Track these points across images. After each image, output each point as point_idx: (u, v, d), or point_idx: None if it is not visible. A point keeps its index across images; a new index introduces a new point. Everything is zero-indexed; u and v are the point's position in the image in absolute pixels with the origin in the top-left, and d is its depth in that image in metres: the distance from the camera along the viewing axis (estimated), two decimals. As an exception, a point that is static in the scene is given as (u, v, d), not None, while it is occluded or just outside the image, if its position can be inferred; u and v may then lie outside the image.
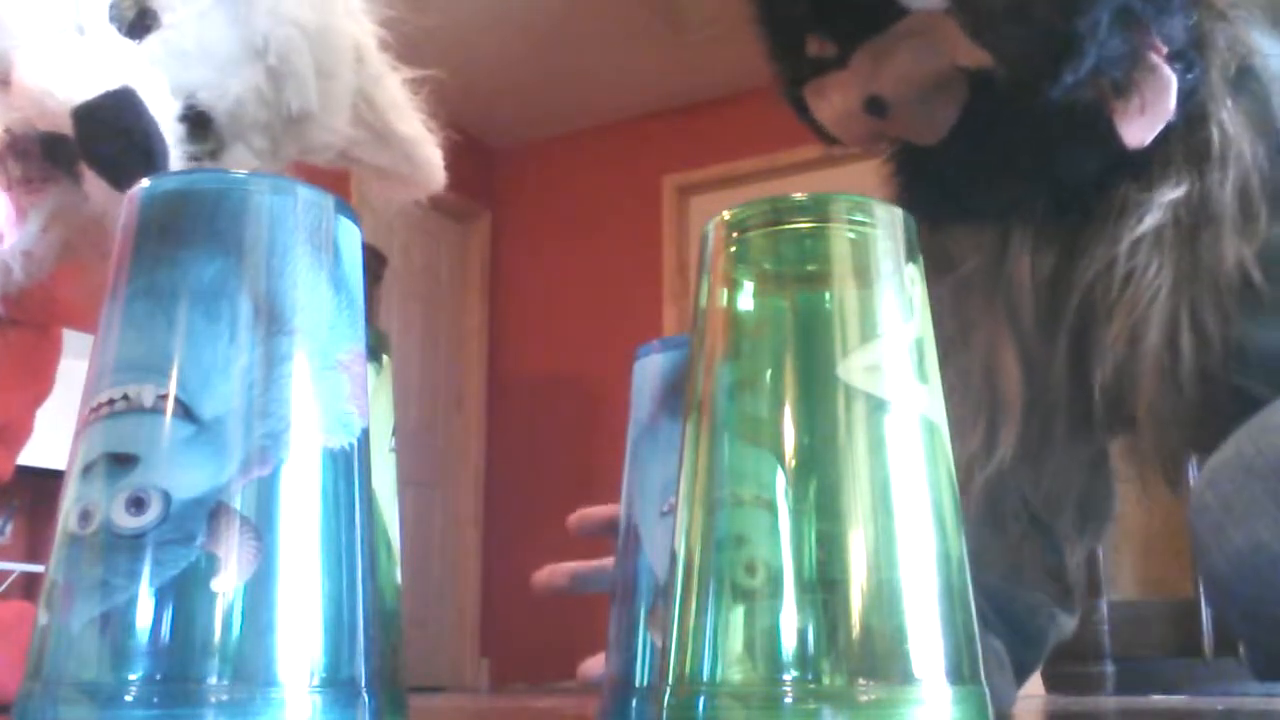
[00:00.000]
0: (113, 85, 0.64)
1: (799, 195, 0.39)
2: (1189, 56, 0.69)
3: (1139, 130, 0.68)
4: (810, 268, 0.38)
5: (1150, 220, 0.72)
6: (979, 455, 0.81)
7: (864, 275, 0.37)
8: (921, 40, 0.70)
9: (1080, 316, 0.77)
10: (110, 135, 0.64)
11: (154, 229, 0.36)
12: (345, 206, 0.38)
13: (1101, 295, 0.75)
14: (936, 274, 0.81)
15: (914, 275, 0.38)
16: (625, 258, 4.70)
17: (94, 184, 0.66)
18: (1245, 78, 0.74)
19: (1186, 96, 0.70)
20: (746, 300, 0.39)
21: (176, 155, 0.70)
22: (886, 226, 0.38)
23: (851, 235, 0.38)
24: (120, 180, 0.65)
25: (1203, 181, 0.72)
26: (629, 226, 4.72)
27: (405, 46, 0.84)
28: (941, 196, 0.78)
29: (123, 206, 0.38)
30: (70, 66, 0.65)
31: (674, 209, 4.70)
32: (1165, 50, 0.67)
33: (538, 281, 4.91)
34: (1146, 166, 0.73)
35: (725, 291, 0.39)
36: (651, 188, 4.71)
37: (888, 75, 0.72)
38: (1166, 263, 0.73)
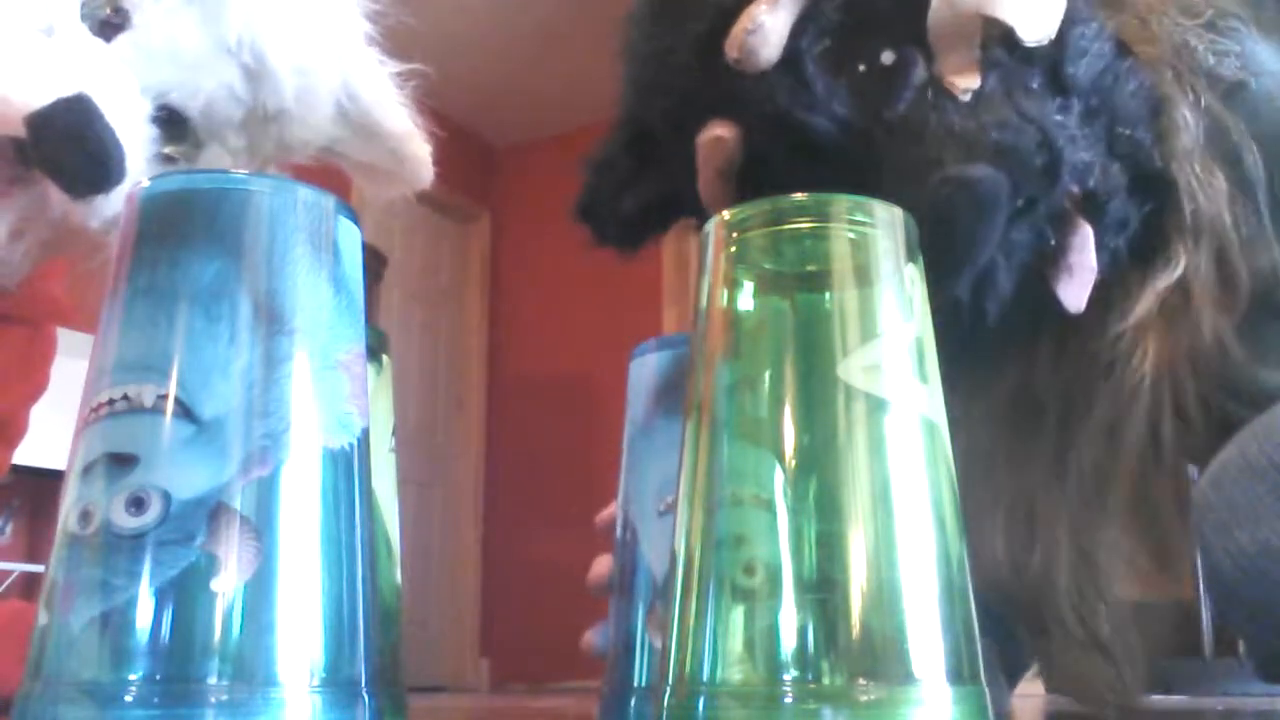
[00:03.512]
0: (67, 92, 0.64)
1: (799, 195, 0.39)
2: (1110, 185, 0.65)
3: (1072, 294, 0.64)
4: (810, 268, 0.38)
5: (1141, 309, 0.69)
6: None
7: (864, 275, 0.37)
8: None
9: (1063, 408, 0.75)
10: (64, 143, 0.63)
11: (154, 229, 0.36)
12: (345, 206, 0.38)
13: (1084, 387, 0.73)
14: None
15: (914, 275, 0.38)
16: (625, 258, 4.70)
17: (54, 189, 0.66)
18: (1239, 95, 0.71)
19: (1118, 226, 0.66)
20: (746, 300, 0.39)
21: (151, 156, 0.69)
22: (886, 226, 0.38)
23: (851, 235, 0.38)
24: (74, 188, 0.64)
25: (1186, 257, 0.68)
26: (629, 226, 4.71)
27: (405, 47, 0.84)
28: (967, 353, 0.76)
29: (122, 206, 0.38)
30: (27, 71, 0.65)
31: (674, 209, 4.69)
32: (1077, 190, 0.63)
33: (538, 281, 4.90)
34: (1142, 249, 0.69)
35: (725, 291, 0.39)
36: (651, 188, 4.70)
37: None
38: (1150, 349, 0.70)
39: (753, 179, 0.66)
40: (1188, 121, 0.69)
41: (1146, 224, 0.68)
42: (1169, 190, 0.68)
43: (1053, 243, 0.63)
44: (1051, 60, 0.64)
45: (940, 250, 0.58)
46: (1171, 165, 0.68)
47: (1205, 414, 0.72)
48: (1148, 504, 0.76)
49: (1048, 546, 0.76)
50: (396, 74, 0.83)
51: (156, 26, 0.71)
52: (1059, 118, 0.62)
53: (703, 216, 0.72)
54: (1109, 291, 0.70)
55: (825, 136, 0.63)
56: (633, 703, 0.52)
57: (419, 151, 0.83)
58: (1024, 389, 0.76)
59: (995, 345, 0.74)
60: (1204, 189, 0.68)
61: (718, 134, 0.66)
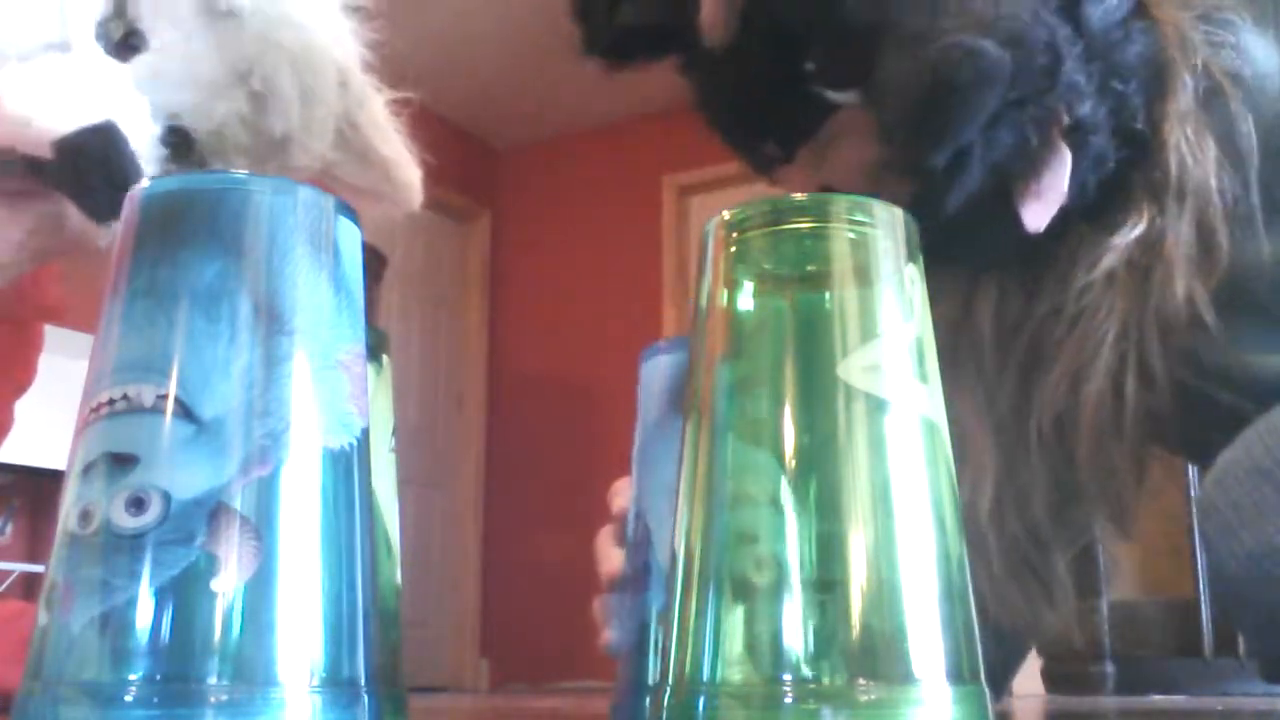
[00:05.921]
0: (95, 119, 0.64)
1: (799, 195, 0.39)
2: (1098, 118, 0.66)
3: (1036, 214, 0.66)
4: (810, 268, 0.38)
5: (1105, 263, 0.70)
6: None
7: (864, 275, 0.37)
8: (854, 135, 0.69)
9: (1026, 362, 0.76)
10: (91, 171, 0.64)
11: (154, 229, 0.36)
12: (345, 206, 0.38)
13: (1048, 340, 0.74)
14: None
15: (914, 275, 0.38)
16: (625, 258, 4.70)
17: (73, 210, 0.66)
18: (1232, 88, 0.72)
19: (1096, 162, 0.67)
20: (746, 300, 0.39)
21: (157, 175, 0.70)
22: (886, 226, 0.38)
23: (851, 235, 0.38)
24: (98, 214, 0.65)
25: (1162, 217, 0.70)
26: (629, 226, 4.72)
27: (405, 49, 0.84)
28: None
29: (123, 207, 0.38)
30: (52, 93, 0.65)
31: (674, 209, 4.69)
32: (1067, 120, 0.65)
33: (538, 281, 4.91)
34: (1108, 206, 0.71)
35: (725, 291, 0.39)
36: (651, 188, 4.71)
37: (831, 166, 0.71)
38: (1117, 305, 0.71)
39: (759, 12, 0.68)
40: (1187, 86, 0.70)
41: (1117, 179, 0.69)
42: (1145, 150, 0.69)
43: (1033, 144, 0.64)
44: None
45: (933, 112, 0.60)
46: (1164, 126, 0.70)
47: (1171, 379, 0.72)
48: (1108, 461, 0.76)
49: (977, 479, 0.77)
50: (392, 101, 0.84)
51: (173, 50, 0.71)
52: (1065, 35, 0.64)
53: (690, 55, 0.74)
54: (1075, 246, 0.71)
55: None
56: (646, 701, 0.52)
57: (410, 178, 0.85)
58: (958, 329, 0.77)
59: (961, 284, 0.75)
60: (1193, 152, 0.70)
61: None
